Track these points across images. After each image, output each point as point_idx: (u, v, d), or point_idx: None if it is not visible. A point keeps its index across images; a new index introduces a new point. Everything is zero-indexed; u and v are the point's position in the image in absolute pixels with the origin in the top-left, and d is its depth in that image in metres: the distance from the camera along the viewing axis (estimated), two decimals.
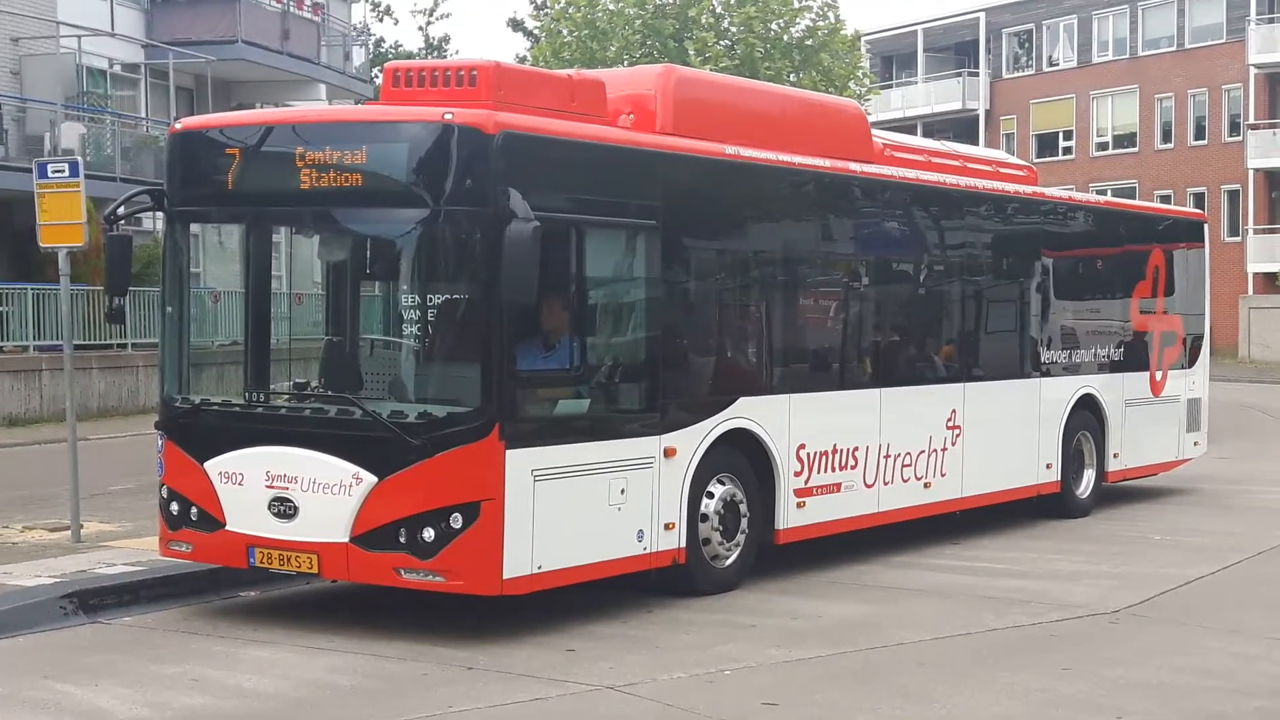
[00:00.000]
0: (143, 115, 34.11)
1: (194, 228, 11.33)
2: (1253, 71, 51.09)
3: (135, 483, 15.57)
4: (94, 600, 10.84)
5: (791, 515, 12.20)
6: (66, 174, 13.08)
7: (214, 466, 10.36)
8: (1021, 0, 59.96)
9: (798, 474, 12.24)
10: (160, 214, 11.27)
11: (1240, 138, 51.69)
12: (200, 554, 10.70)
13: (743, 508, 11.69)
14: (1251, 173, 51.16)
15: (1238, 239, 51.11)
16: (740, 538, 11.69)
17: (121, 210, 11.41)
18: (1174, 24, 54.61)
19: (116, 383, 26.82)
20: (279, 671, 9.17)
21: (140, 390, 26.23)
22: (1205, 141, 53.62)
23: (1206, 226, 19.78)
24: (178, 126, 11.32)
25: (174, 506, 10.64)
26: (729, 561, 11.62)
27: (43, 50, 31.34)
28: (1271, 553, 13.98)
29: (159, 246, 11.44)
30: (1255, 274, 50.34)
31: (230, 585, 11.44)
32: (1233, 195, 52.32)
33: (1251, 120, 51.36)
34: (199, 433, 10.59)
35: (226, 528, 10.31)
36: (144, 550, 11.94)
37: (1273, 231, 50.84)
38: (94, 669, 9.21)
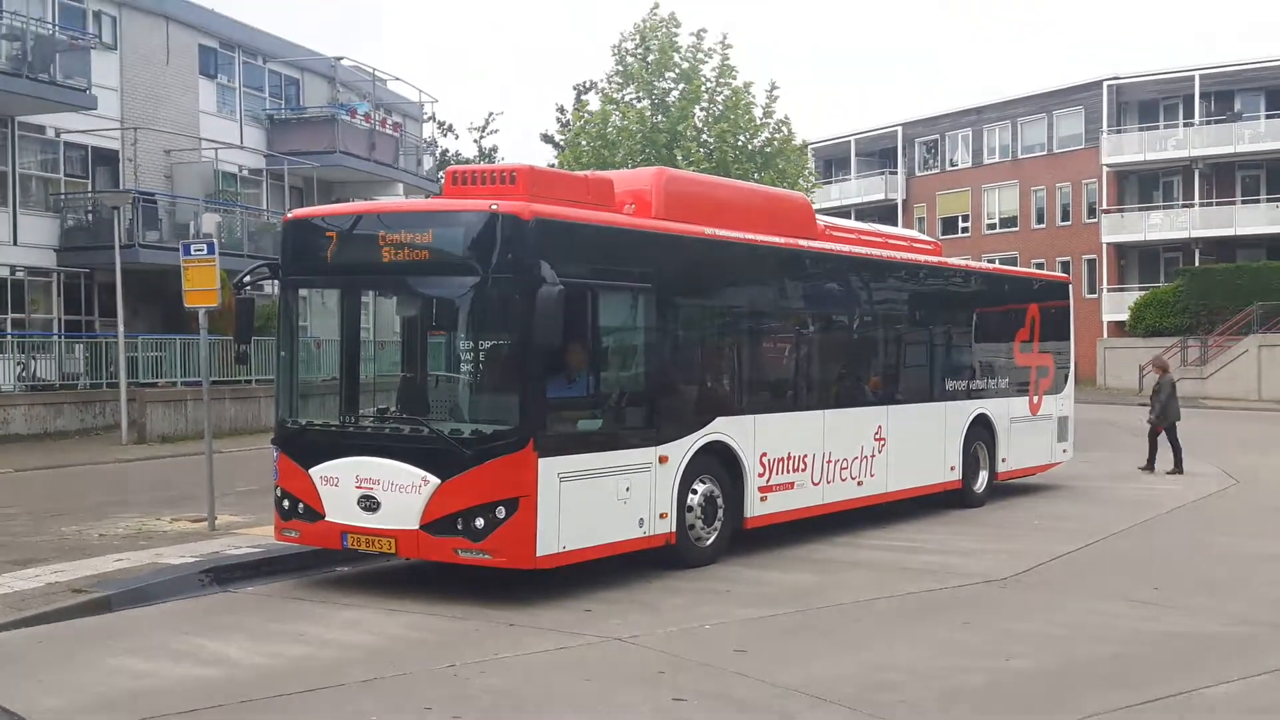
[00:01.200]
0: (264, 208, 34.20)
1: (302, 292, 11.34)
2: (1105, 170, 51.12)
3: (257, 485, 15.55)
4: (225, 575, 10.85)
5: (757, 506, 12.16)
6: (205, 252, 13.15)
7: (316, 472, 10.35)
8: (929, 117, 60.07)
9: (761, 475, 12.20)
10: (276, 281, 11.28)
11: (1096, 220, 51.69)
12: (306, 539, 10.68)
13: (719, 501, 11.66)
14: (1105, 246, 51.13)
15: (1095, 296, 51.02)
16: (718, 524, 11.65)
17: (247, 279, 11.46)
18: (1045, 134, 54.67)
19: (243, 409, 26.82)
20: (365, 628, 9.13)
21: (261, 415, 26.20)
22: (1070, 222, 53.61)
23: (1071, 286, 19.76)
24: (289, 215, 11.36)
25: (285, 503, 10.63)
26: (709, 542, 11.57)
27: (188, 160, 31.50)
28: (1123, 533, 13.94)
29: (276, 306, 11.42)
30: (1109, 322, 50.26)
31: (328, 563, 11.41)
32: (1091, 263, 52.27)
33: (1104, 206, 51.36)
34: (305, 446, 10.58)
35: (326, 518, 10.30)
36: (263, 536, 11.93)
37: (1121, 290, 50.77)
38: (224, 627, 9.18)
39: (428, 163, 41.89)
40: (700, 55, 31.51)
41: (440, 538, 9.73)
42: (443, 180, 11.44)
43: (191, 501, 14.54)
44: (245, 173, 34.78)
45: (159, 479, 18.54)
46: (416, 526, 9.79)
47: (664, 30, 31.37)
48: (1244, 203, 48.54)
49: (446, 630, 9.05)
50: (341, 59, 38.49)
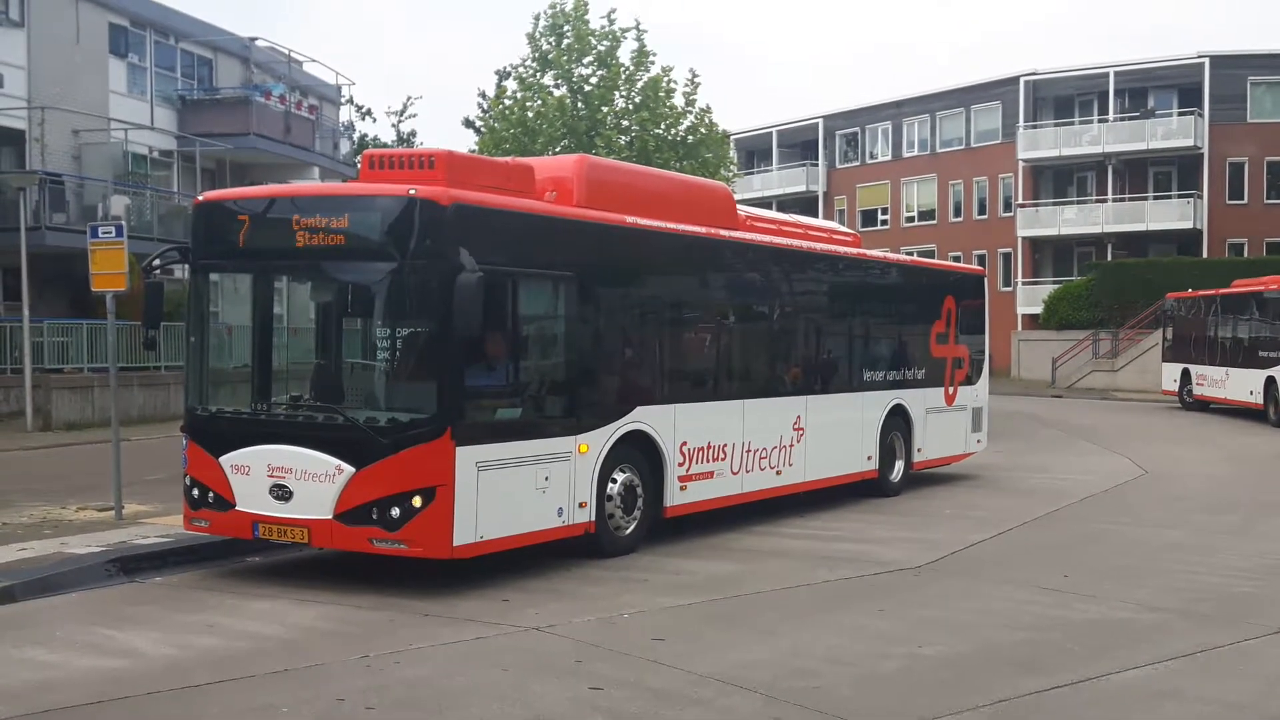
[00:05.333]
0: (175, 190, 33.56)
1: (213, 276, 11.11)
2: (1021, 164, 52.03)
3: (166, 474, 15.25)
4: (132, 564, 10.66)
5: (676, 495, 12.21)
6: (113, 235, 12.89)
7: (227, 460, 10.20)
8: (850, 110, 60.63)
9: (681, 464, 12.25)
10: (187, 265, 11.08)
11: (1012, 214, 52.59)
12: (216, 529, 10.52)
13: (639, 490, 11.69)
14: (1020, 240, 52.10)
15: (1010, 289, 51.94)
16: (637, 513, 11.68)
17: (156, 262, 11.27)
18: (963, 129, 55.50)
19: (152, 396, 26.32)
20: (277, 619, 9.02)
21: (170, 402, 25.74)
22: (986, 216, 54.50)
23: (986, 279, 20.04)
24: (201, 198, 11.15)
25: (195, 491, 10.47)
26: (629, 531, 11.60)
27: (97, 140, 30.81)
28: (1034, 523, 14.20)
29: (186, 291, 11.22)
30: (1023, 314, 51.20)
31: (239, 553, 11.27)
32: (1006, 256, 53.21)
33: (1020, 201, 52.30)
34: (215, 434, 10.42)
35: (236, 508, 10.15)
36: (172, 526, 11.74)
37: (1035, 284, 51.74)
38: (131, 618, 9.02)
39: (345, 147, 41.34)
40: (614, 38, 31.39)
41: (355, 527, 9.63)
42: (360, 164, 11.28)
43: (98, 490, 14.23)
44: (156, 154, 34.05)
45: (65, 467, 18.14)
46: (330, 516, 9.69)
47: (575, 15, 31.22)
48: (1156, 198, 49.69)
49: (360, 621, 8.96)
50: (256, 40, 37.85)
